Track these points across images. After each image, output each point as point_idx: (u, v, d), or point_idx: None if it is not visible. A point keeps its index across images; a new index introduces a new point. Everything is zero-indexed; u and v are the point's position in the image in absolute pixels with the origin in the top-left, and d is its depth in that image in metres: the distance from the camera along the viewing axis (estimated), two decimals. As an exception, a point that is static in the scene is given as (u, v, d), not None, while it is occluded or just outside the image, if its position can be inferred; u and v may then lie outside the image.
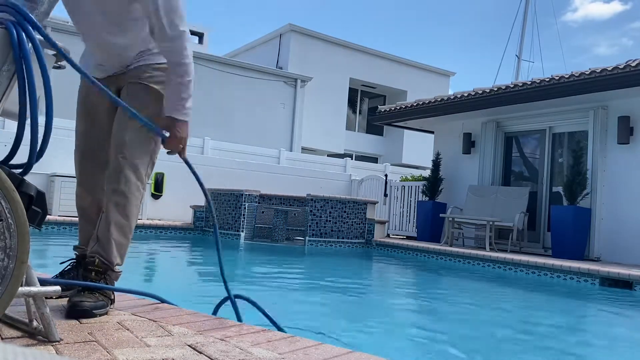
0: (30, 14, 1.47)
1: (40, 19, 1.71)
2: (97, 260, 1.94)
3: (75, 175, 2.18)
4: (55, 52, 1.64)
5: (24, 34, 1.43)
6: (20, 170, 1.50)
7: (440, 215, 8.66)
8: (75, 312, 1.75)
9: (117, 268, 2.01)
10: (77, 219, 2.20)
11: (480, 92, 8.54)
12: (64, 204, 7.94)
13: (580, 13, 66.16)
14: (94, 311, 1.78)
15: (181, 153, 2.05)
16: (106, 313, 1.84)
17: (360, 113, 23.03)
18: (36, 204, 1.49)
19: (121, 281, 2.09)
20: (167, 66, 2.03)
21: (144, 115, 1.99)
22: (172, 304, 2.11)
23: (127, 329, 1.66)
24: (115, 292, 1.99)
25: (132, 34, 2.00)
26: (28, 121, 1.47)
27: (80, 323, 1.69)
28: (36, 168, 1.57)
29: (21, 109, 1.42)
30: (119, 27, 1.97)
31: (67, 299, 1.84)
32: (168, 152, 2.04)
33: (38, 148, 1.49)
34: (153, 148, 2.08)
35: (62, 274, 2.10)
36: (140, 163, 2.02)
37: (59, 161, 8.08)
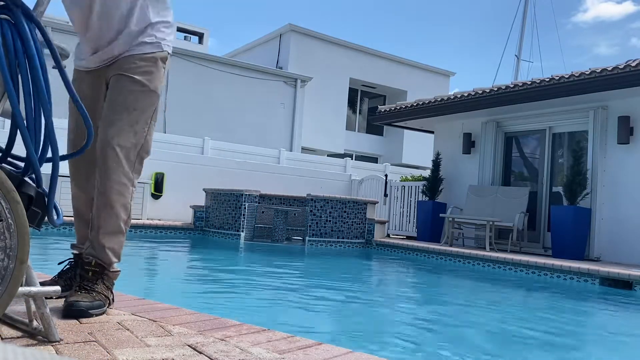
0: (33, 13, 1.46)
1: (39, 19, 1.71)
2: (93, 261, 1.94)
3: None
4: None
5: (18, 34, 1.42)
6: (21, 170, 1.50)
7: (440, 215, 8.66)
8: (71, 312, 1.74)
9: (115, 267, 2.00)
10: None
11: (480, 92, 8.54)
12: (64, 204, 7.90)
13: (591, 13, 66.12)
14: (90, 311, 1.77)
15: None
16: (104, 313, 1.83)
17: (360, 113, 23.03)
18: (36, 205, 1.49)
19: (121, 281, 2.09)
20: (156, 57, 2.02)
21: (137, 110, 1.97)
22: None
23: (127, 329, 1.66)
24: (114, 293, 1.99)
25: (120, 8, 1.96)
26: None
27: (80, 323, 1.69)
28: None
29: (14, 110, 1.41)
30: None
31: (64, 299, 1.83)
32: None
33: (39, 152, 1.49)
34: (142, 143, 2.01)
35: (60, 275, 2.10)
36: (127, 160, 1.96)
37: (59, 161, 8.06)
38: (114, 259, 1.98)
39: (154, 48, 2.03)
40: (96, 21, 1.98)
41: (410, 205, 10.20)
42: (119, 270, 2.03)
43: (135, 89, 1.98)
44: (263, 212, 8.59)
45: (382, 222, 8.79)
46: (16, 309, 1.72)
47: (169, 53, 2.10)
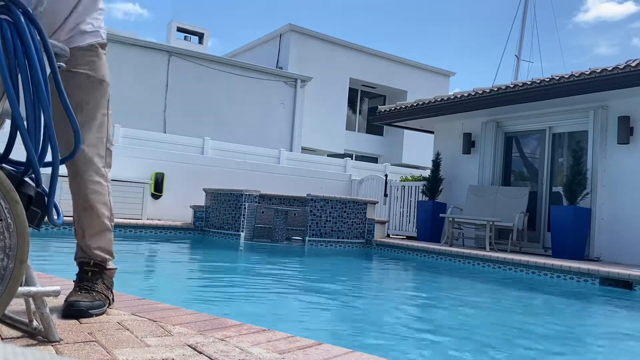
0: (32, 13, 1.46)
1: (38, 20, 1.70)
2: (92, 261, 1.94)
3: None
4: (55, 52, 1.63)
5: (18, 33, 1.42)
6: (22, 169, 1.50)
7: (440, 215, 8.66)
8: (71, 312, 1.74)
9: (110, 264, 2.00)
10: None
11: (480, 92, 8.54)
12: (64, 204, 7.92)
13: (592, 13, 65.94)
14: (90, 311, 1.77)
15: None
16: (103, 313, 1.84)
17: (360, 113, 23.04)
18: (36, 205, 1.49)
19: (120, 280, 2.08)
20: (96, 44, 1.91)
21: (90, 103, 1.87)
22: None
23: (127, 329, 1.66)
24: (114, 293, 1.99)
25: None
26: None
27: (80, 323, 1.69)
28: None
29: (13, 110, 1.41)
30: None
31: (64, 299, 1.83)
32: None
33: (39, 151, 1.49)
34: (106, 136, 1.94)
35: None
36: (97, 156, 1.91)
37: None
38: (107, 257, 1.98)
39: (93, 37, 1.92)
40: (45, 9, 1.84)
41: (410, 205, 10.20)
42: (115, 268, 2.03)
43: (82, 83, 1.88)
44: (263, 212, 8.59)
45: (382, 222, 8.78)
46: (16, 309, 1.72)
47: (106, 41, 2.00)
